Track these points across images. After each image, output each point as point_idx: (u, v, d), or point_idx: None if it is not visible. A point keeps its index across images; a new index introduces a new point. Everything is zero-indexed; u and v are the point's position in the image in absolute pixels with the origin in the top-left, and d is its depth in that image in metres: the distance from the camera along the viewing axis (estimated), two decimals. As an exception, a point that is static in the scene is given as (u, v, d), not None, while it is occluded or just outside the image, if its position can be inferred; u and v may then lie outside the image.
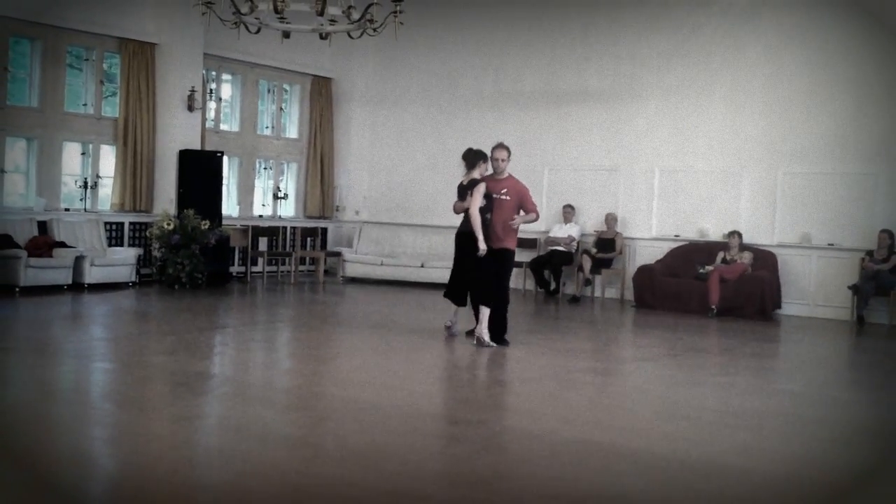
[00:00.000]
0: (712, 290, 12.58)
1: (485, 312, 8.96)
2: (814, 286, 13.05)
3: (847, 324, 12.31)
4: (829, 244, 12.98)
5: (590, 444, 5.64)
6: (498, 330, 9.08)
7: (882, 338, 11.35)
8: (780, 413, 6.85)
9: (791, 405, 7.21)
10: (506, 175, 9.25)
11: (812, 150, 13.13)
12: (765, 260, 13.01)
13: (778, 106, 13.36)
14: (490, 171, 9.21)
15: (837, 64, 12.94)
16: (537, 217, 9.58)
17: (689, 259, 13.41)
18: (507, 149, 9.31)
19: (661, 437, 5.89)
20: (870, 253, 12.36)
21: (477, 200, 8.90)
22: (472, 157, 9.14)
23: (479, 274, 8.99)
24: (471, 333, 9.19)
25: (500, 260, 9.13)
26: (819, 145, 13.07)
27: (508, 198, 9.12)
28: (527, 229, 14.89)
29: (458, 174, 9.44)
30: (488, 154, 9.19)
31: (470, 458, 5.29)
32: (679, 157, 14.12)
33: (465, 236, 9.07)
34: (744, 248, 13.06)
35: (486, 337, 8.91)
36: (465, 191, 9.09)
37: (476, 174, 9.08)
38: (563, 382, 7.81)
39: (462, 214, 9.14)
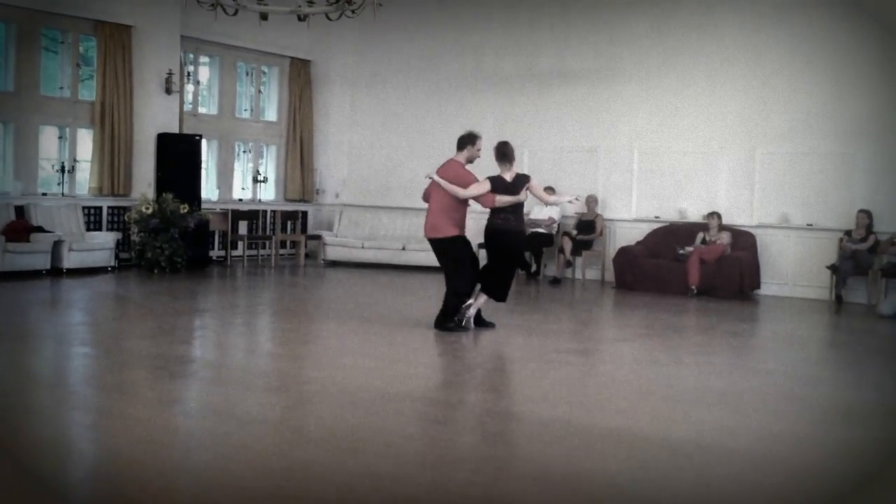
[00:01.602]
0: (692, 270, 12.64)
1: (483, 299, 8.98)
2: (792, 266, 13.13)
3: (826, 303, 12.41)
4: (807, 224, 13.05)
5: (570, 424, 5.66)
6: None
7: (860, 317, 11.44)
8: (758, 391, 6.90)
9: (769, 384, 7.26)
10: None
11: (790, 131, 13.17)
12: (744, 240, 13.08)
13: (756, 86, 13.39)
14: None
15: (816, 44, 12.96)
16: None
17: (669, 240, 13.45)
18: None
19: (640, 416, 5.92)
20: (848, 233, 12.44)
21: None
22: (512, 152, 8.98)
23: (509, 269, 8.97)
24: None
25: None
26: (797, 125, 13.12)
27: None
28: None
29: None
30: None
31: (451, 440, 5.31)
32: (658, 137, 14.15)
33: (510, 234, 8.92)
34: (723, 228, 13.12)
35: (471, 317, 8.91)
36: (513, 186, 8.82)
37: (515, 168, 8.98)
38: (543, 363, 7.83)
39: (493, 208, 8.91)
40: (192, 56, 15.33)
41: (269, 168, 16.82)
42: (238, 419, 5.53)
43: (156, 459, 4.71)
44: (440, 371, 7.70)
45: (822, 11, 12.90)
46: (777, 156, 13.28)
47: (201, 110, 15.74)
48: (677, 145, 14.00)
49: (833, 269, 12.42)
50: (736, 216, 13.47)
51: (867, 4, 12.38)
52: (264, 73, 16.71)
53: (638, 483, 4.60)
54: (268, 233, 16.06)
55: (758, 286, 13.01)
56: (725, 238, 12.95)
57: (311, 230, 16.78)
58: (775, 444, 5.41)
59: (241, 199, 16.21)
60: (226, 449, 4.92)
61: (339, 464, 4.69)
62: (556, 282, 13.88)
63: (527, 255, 14.44)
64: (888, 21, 12.17)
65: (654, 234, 13.85)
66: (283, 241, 16.09)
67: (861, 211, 12.35)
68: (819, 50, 12.94)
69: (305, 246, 15.95)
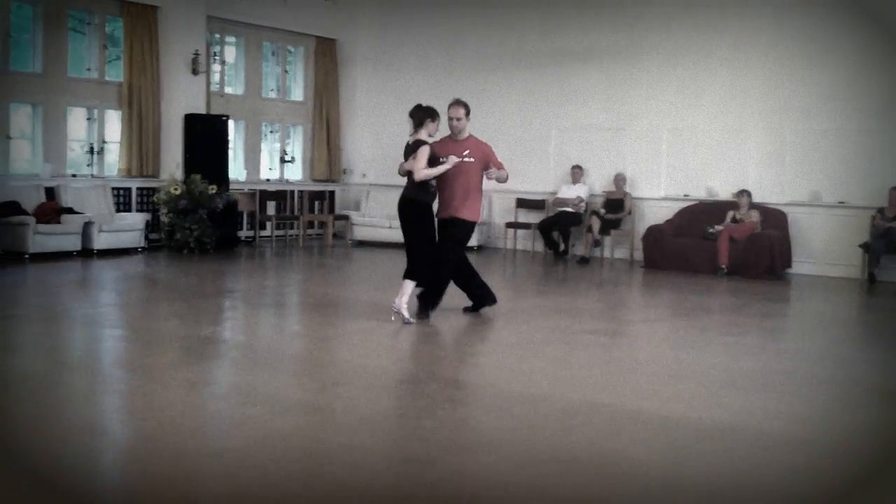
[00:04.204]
0: (722, 250, 12.53)
1: (409, 286, 8.21)
2: (824, 245, 12.97)
3: (858, 282, 12.26)
4: (839, 202, 12.88)
5: (597, 405, 5.63)
6: (428, 300, 8.44)
7: (893, 296, 11.30)
8: (788, 373, 6.83)
9: (800, 365, 7.19)
10: (466, 136, 8.43)
11: (820, 107, 12.96)
12: (774, 218, 12.93)
13: (784, 62, 13.18)
14: (435, 131, 8.33)
15: (842, 18, 12.73)
16: (507, 175, 8.54)
17: (699, 219, 13.32)
18: (466, 106, 8.41)
19: (669, 398, 5.88)
20: (880, 210, 12.26)
21: (421, 163, 8.02)
22: (420, 115, 8.18)
23: (418, 244, 8.21)
24: (468, 309, 8.75)
25: (449, 229, 8.40)
26: (827, 101, 12.91)
27: (472, 160, 8.32)
28: (534, 190, 14.90)
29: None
30: (439, 111, 8.30)
31: (478, 422, 5.30)
32: (686, 115, 13.99)
33: (406, 203, 8.25)
34: (753, 206, 12.98)
35: (405, 311, 8.13)
36: (410, 151, 8.21)
37: (423, 134, 8.19)
38: (570, 344, 7.80)
39: (406, 178, 8.26)
40: (217, 36, 15.34)
41: (295, 148, 16.84)
42: (266, 402, 5.55)
43: (184, 442, 4.73)
44: (466, 352, 7.69)
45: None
46: (807, 132, 13.09)
47: (228, 90, 15.76)
48: (706, 123, 13.85)
49: (865, 247, 12.25)
50: (766, 194, 13.31)
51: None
52: (290, 52, 16.68)
53: (666, 466, 4.57)
54: (295, 213, 16.10)
55: (789, 265, 12.87)
56: (754, 216, 12.81)
57: (338, 210, 16.79)
58: (806, 426, 5.36)
59: (268, 180, 16.25)
60: (254, 432, 4.93)
61: (366, 447, 4.69)
62: (584, 261, 13.81)
63: (555, 234, 14.40)
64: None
65: (682, 213, 13.73)
66: (310, 221, 16.13)
67: (894, 188, 12.15)
68: (846, 24, 12.70)
69: (333, 226, 15.98)
